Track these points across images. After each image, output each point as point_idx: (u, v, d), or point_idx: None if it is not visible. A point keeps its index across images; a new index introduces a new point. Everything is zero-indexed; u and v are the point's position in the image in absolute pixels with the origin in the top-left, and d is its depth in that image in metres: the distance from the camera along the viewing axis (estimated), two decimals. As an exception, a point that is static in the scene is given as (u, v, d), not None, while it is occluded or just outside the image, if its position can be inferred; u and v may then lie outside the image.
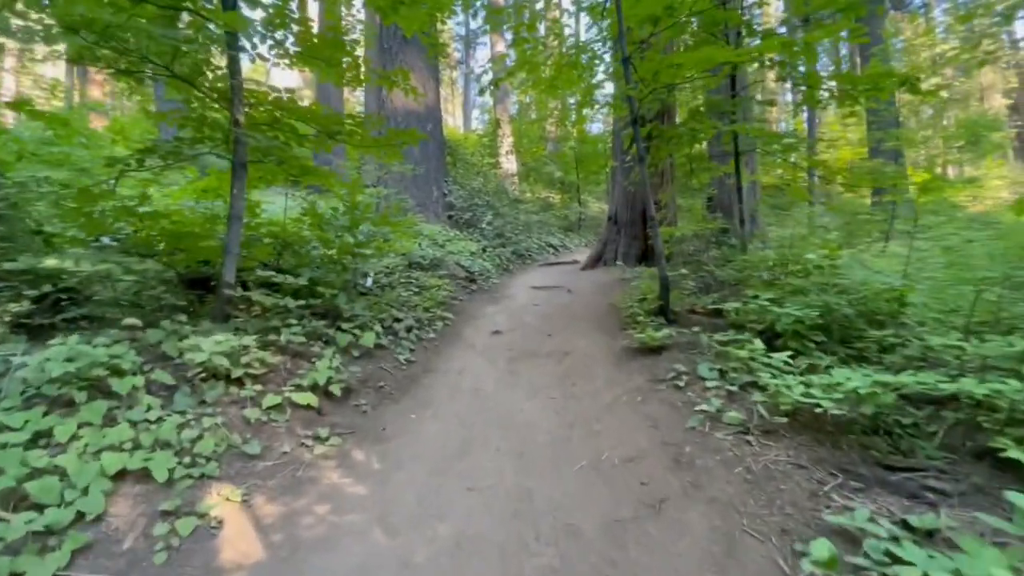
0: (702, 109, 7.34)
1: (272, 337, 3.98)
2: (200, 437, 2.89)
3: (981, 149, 22.46)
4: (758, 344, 3.85)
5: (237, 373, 3.40)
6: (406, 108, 10.57)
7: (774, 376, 3.49)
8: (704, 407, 3.38)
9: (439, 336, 5.63)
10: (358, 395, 3.94)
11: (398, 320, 5.44)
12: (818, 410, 2.92)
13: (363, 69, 6.25)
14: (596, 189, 17.69)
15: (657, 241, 5.47)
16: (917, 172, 9.04)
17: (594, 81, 8.08)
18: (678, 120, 9.92)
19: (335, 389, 3.71)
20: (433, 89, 10.92)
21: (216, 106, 4.87)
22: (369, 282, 6.74)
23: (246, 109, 4.69)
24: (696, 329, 4.73)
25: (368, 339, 4.54)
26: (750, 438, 3.02)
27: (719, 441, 3.05)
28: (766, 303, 4.09)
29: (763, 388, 3.51)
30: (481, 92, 6.53)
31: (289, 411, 3.41)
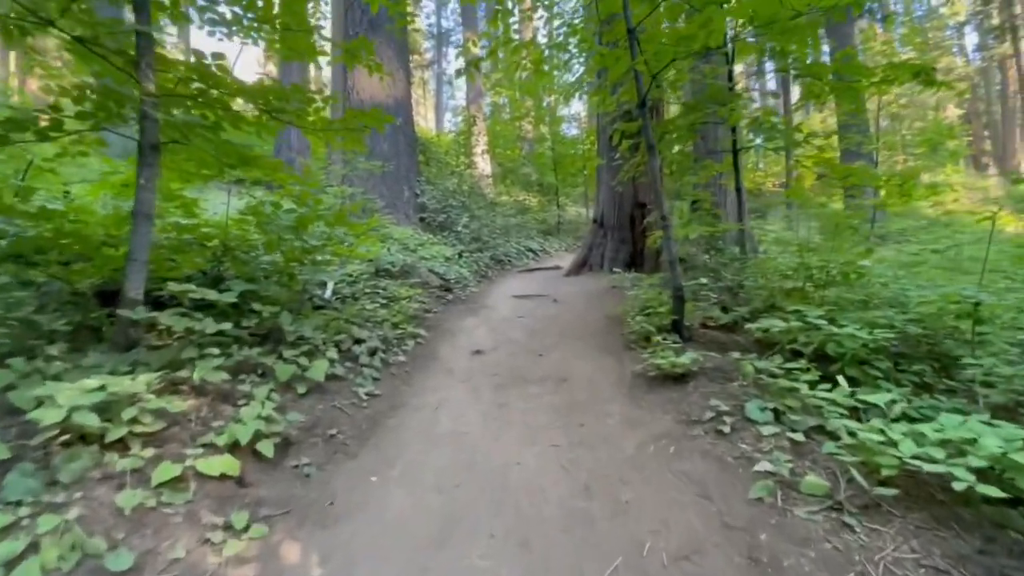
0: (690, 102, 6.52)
1: (183, 373, 2.91)
2: (33, 550, 1.82)
3: (940, 156, 22.62)
4: (813, 374, 2.98)
5: (117, 433, 2.33)
6: (374, 100, 9.49)
7: (841, 417, 2.62)
8: (767, 466, 2.47)
9: (410, 359, 4.61)
10: (299, 451, 2.89)
11: (360, 341, 4.39)
12: (925, 468, 2.05)
13: (327, 45, 5.24)
14: (572, 192, 16.87)
15: (670, 246, 4.58)
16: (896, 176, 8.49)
17: (580, 64, 7.17)
18: (666, 117, 9.12)
19: (265, 446, 2.66)
20: (403, 81, 9.88)
21: (125, 74, 3.76)
22: (328, 293, 5.67)
23: (166, 80, 3.59)
24: (730, 353, 3.85)
25: (318, 369, 3.49)
26: (847, 519, 2.12)
27: (804, 524, 2.13)
28: (820, 321, 3.22)
29: (834, 436, 2.63)
30: (457, 75, 5.69)
31: (193, 486, 2.35)
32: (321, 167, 9.75)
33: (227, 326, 3.11)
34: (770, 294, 4.37)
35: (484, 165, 13.42)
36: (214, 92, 3.87)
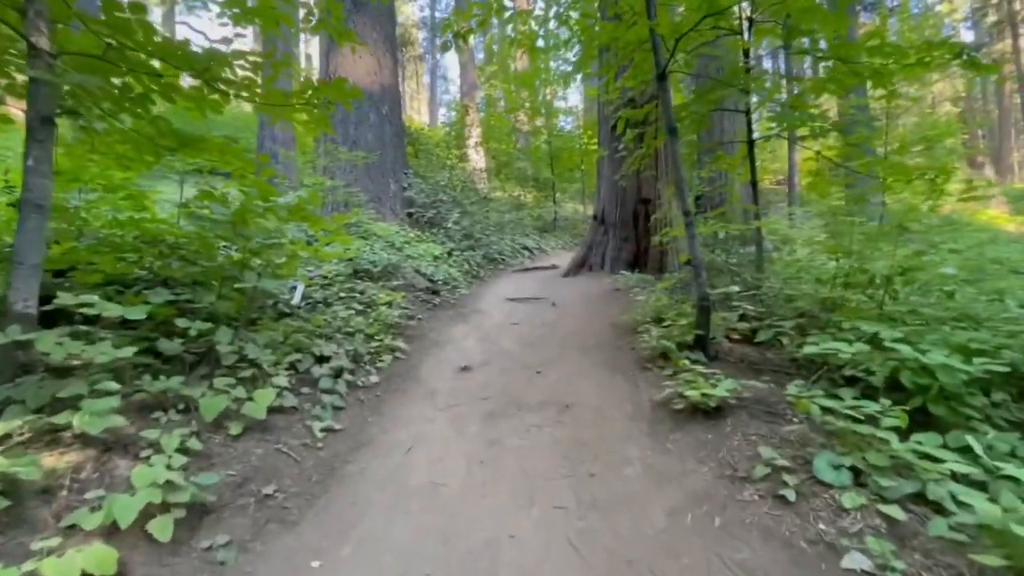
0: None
1: (63, 419, 2.13)
2: None
3: (937, 154, 21.97)
4: (900, 417, 2.24)
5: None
6: (357, 85, 8.66)
7: (943, 479, 1.89)
8: (862, 561, 1.73)
9: (385, 379, 3.84)
10: (217, 523, 2.13)
11: (324, 359, 3.62)
12: None
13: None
14: (569, 188, 16.11)
15: (694, 247, 3.82)
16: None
17: (580, 43, 6.39)
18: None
19: (160, 525, 1.89)
20: (390, 66, 9.07)
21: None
22: (296, 298, 4.89)
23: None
24: (763, 375, 3.11)
25: (261, 401, 2.73)
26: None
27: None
28: (899, 345, 2.48)
29: (939, 507, 1.90)
30: (443, 48, 4.90)
31: (36, 600, 1.59)
32: (308, 161, 8.95)
33: (127, 352, 2.32)
34: (806, 303, 3.61)
35: (478, 159, 12.63)
36: (147, 61, 3.08)
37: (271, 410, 2.81)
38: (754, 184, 5.95)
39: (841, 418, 2.25)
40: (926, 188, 5.26)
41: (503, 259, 9.32)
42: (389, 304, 5.22)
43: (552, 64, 14.78)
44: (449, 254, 7.87)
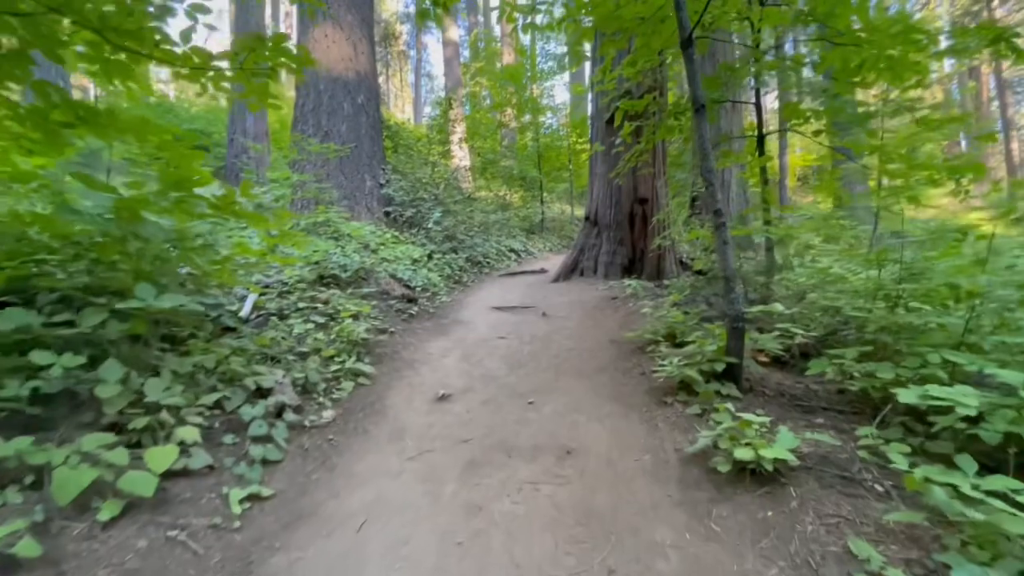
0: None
1: None
2: None
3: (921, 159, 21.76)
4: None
5: None
6: (330, 73, 7.85)
7: None
8: None
9: (342, 415, 3.06)
10: None
11: (263, 393, 2.84)
12: None
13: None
14: (556, 187, 15.41)
15: (726, 255, 3.11)
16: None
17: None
18: (669, 100, 7.72)
19: None
20: (366, 52, 8.24)
21: None
22: (245, 310, 4.09)
23: None
24: (820, 421, 2.41)
25: (155, 465, 1.94)
26: None
27: None
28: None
29: None
30: (420, 19, 4.19)
31: None
32: (285, 156, 8.06)
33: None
34: (869, 326, 2.92)
35: (462, 155, 11.85)
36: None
37: (171, 474, 2.02)
38: (766, 182, 5.31)
39: (975, 504, 1.54)
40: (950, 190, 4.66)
41: (488, 262, 8.56)
42: (356, 316, 4.43)
43: (540, 62, 14.07)
44: (429, 257, 7.09)
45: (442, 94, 16.19)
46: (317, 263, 5.30)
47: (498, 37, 22.21)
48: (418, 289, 5.94)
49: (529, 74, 12.13)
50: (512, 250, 9.73)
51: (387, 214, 7.90)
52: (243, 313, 4.03)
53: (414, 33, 23.58)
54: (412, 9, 22.79)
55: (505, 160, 12.65)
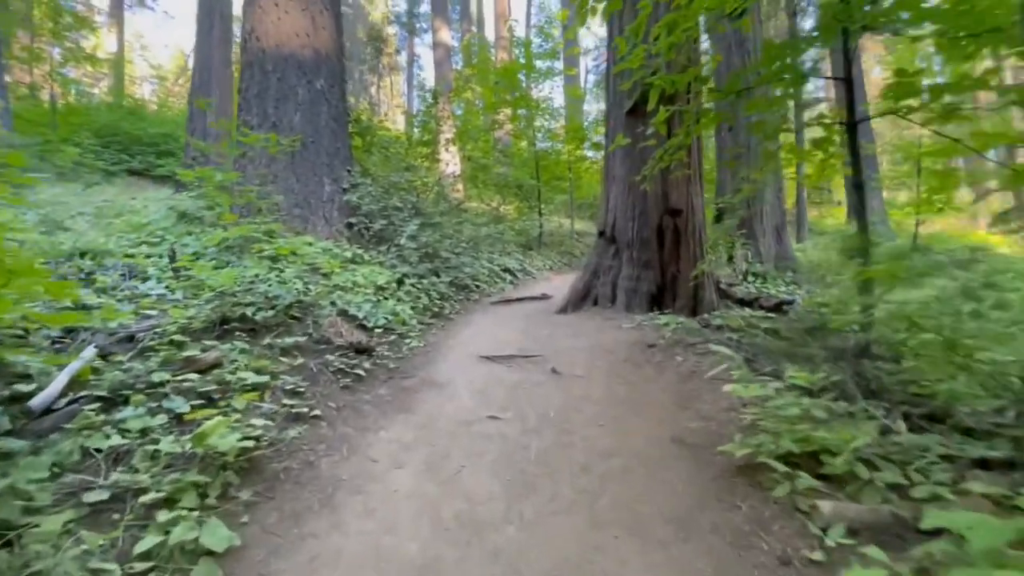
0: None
1: None
2: None
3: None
4: None
5: None
6: (281, 50, 6.09)
7: None
8: None
9: None
10: None
11: None
12: None
13: None
14: (554, 199, 13.70)
15: None
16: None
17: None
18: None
19: None
20: (329, 27, 6.49)
21: None
22: (50, 392, 2.27)
23: None
24: None
25: None
26: None
27: None
28: None
29: None
30: None
31: None
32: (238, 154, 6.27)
33: None
34: None
35: (450, 159, 10.12)
36: None
37: None
38: (859, 186, 3.62)
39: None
40: None
41: (478, 286, 6.77)
42: (259, 393, 2.62)
43: (537, 64, 12.42)
44: (400, 282, 5.28)
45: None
46: (222, 295, 3.50)
47: (491, 43, 20.63)
48: (377, 332, 4.14)
49: (524, 72, 10.43)
50: (507, 270, 7.96)
51: (350, 226, 6.10)
52: (37, 401, 2.21)
53: (404, 36, 21.91)
54: (402, 7, 21.14)
55: (499, 167, 10.93)
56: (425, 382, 3.56)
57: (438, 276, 6.06)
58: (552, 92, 12.40)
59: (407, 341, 4.30)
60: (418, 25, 20.20)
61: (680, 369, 3.50)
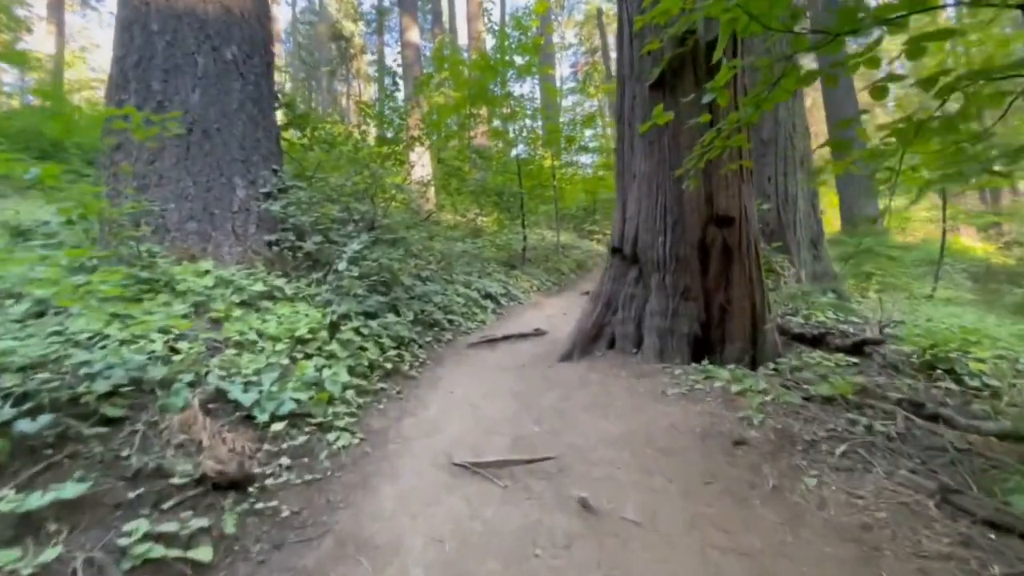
0: None
1: None
2: None
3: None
4: None
5: None
6: (173, 4, 4.29)
7: None
8: None
9: None
10: None
11: None
12: None
13: None
14: (537, 210, 12.06)
15: None
16: None
17: None
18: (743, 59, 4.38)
19: None
20: (245, -22, 4.72)
21: None
22: None
23: None
24: None
25: None
26: None
27: None
28: None
29: None
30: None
31: None
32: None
33: None
34: None
35: (418, 164, 8.36)
36: None
37: None
38: None
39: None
40: None
41: (451, 321, 5.02)
42: None
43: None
44: (334, 327, 3.48)
45: (402, 103, 12.57)
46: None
47: (464, 47, 19.06)
48: (274, 431, 2.35)
49: (498, 56, 8.74)
50: (488, 295, 6.23)
51: (272, 245, 4.28)
52: None
53: (370, 35, 19.99)
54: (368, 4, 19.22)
55: (474, 172, 9.19)
56: (343, 552, 1.80)
57: (396, 313, 4.30)
58: (533, 90, 10.72)
59: (330, 438, 2.51)
60: (386, 23, 18.44)
61: (832, 514, 1.82)
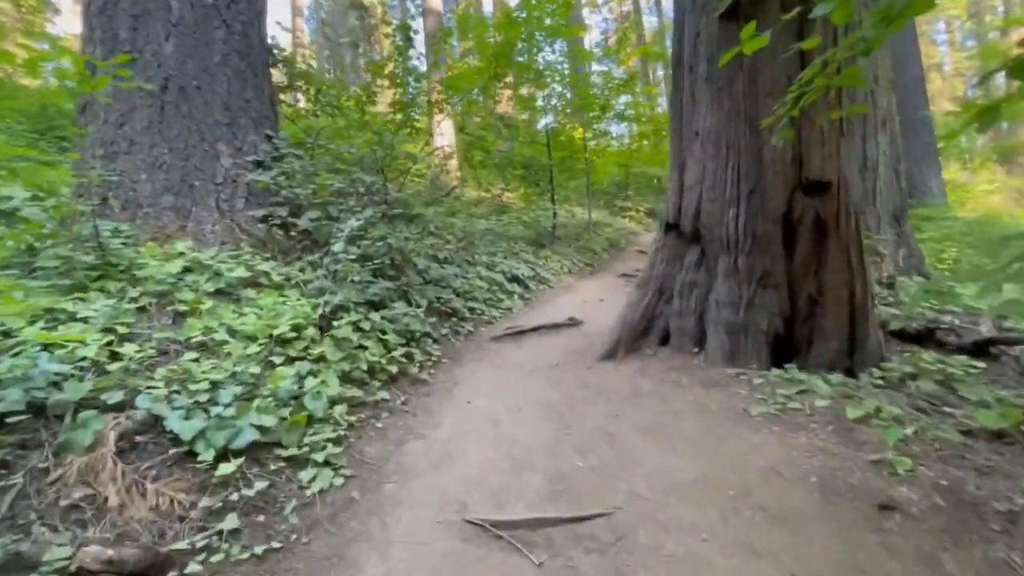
0: None
1: None
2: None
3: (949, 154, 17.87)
4: None
5: None
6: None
7: None
8: None
9: None
10: None
11: None
12: None
13: None
14: (568, 184, 11.15)
15: None
16: None
17: None
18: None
19: None
20: (228, -93, 3.96)
21: None
22: None
23: None
24: None
25: None
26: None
27: None
28: None
29: None
30: None
31: None
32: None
33: None
34: None
35: (440, 133, 7.60)
36: None
37: None
38: None
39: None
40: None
41: (472, 309, 4.31)
42: None
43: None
44: (326, 320, 2.81)
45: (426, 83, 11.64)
46: None
47: (489, 16, 17.93)
48: (215, 479, 1.69)
49: (524, 15, 7.76)
50: (515, 278, 5.49)
51: (263, 220, 3.63)
52: None
53: (393, 5, 19.06)
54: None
55: (499, 142, 8.32)
56: None
57: (407, 301, 3.61)
58: (562, 59, 9.69)
59: (304, 478, 1.85)
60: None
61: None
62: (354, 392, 2.48)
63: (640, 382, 2.91)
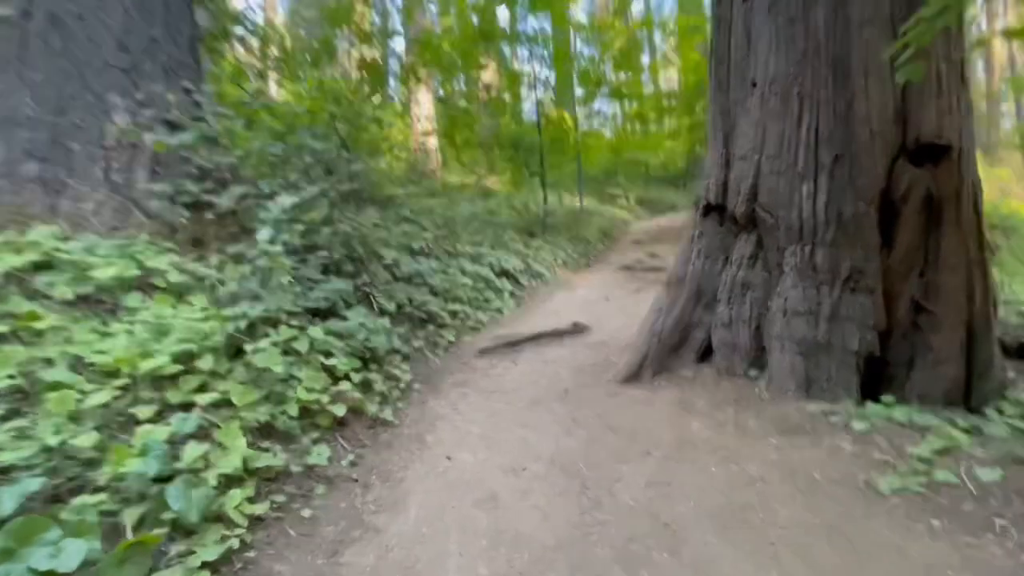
0: None
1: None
2: None
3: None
4: None
5: None
6: None
7: None
8: None
9: None
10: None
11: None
12: None
13: None
14: (560, 168, 10.23)
15: None
16: None
17: None
18: None
19: None
20: None
21: None
22: None
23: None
24: None
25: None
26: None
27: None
28: None
29: None
30: None
31: None
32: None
33: None
34: None
35: (414, 103, 6.61)
36: None
37: None
38: None
39: None
40: None
41: (454, 313, 3.43)
42: None
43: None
44: (234, 343, 1.91)
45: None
46: None
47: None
48: None
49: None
50: (504, 271, 4.62)
51: (173, 199, 2.67)
52: None
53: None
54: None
55: (483, 118, 7.33)
56: None
57: (370, 305, 2.71)
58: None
59: None
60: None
61: None
62: (270, 458, 1.59)
63: (687, 422, 2.08)
